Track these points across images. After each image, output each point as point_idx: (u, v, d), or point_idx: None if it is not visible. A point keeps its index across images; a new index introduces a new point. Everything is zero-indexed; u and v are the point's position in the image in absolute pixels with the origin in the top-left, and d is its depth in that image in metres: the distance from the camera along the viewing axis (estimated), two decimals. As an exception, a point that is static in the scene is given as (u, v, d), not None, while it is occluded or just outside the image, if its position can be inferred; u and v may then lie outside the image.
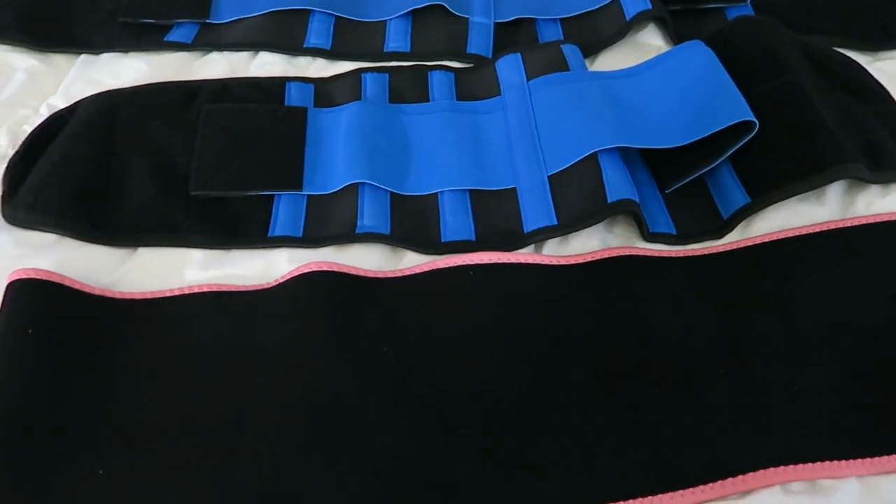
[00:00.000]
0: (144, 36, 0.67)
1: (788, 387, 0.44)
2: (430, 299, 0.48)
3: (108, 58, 0.65)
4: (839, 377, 0.44)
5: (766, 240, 0.52)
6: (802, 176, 0.52)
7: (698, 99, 0.55)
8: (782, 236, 0.52)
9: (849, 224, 0.52)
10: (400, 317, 0.47)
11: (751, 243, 0.52)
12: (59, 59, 0.66)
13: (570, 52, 0.63)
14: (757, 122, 0.53)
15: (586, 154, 0.53)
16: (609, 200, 0.50)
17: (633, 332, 0.47)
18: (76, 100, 0.60)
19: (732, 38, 0.61)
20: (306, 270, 0.48)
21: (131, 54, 0.66)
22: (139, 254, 0.51)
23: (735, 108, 0.53)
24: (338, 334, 0.45)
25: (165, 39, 0.67)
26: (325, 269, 0.48)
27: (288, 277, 0.48)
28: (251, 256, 0.51)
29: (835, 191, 0.55)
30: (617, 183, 0.51)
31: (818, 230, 0.52)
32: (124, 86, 0.62)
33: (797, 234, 0.52)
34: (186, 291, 0.48)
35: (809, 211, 0.54)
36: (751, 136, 0.53)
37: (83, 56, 0.66)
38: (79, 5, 0.70)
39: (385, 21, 0.70)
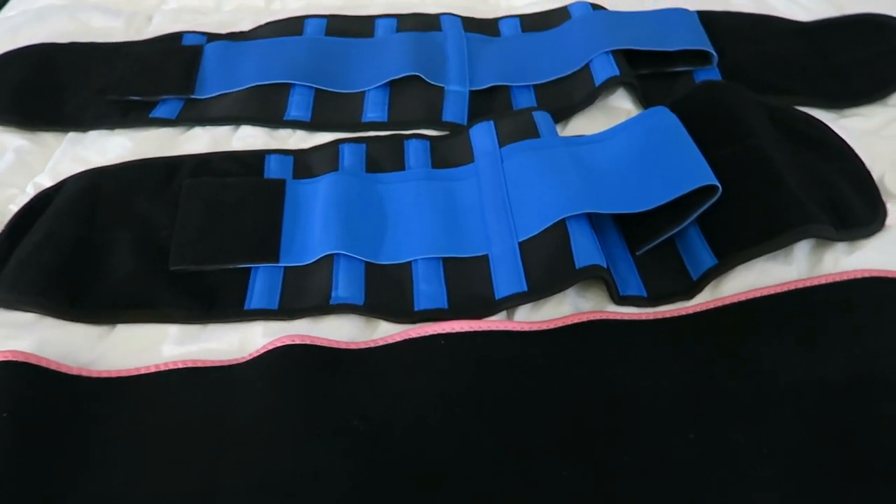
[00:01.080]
0: (131, 113, 0.70)
1: (757, 450, 0.44)
2: (403, 369, 0.48)
3: (95, 135, 0.67)
4: (808, 440, 0.45)
5: (736, 300, 0.53)
6: (766, 237, 0.53)
7: (663, 164, 0.57)
8: (751, 296, 0.53)
9: (816, 283, 0.53)
10: (373, 388, 0.47)
11: (720, 304, 0.53)
12: (47, 138, 0.68)
13: (541, 118, 0.65)
14: (719, 186, 0.54)
15: (555, 221, 0.54)
16: (577, 266, 0.51)
17: (603, 398, 0.48)
18: (63, 177, 0.62)
19: (698, 103, 0.63)
20: (279, 344, 0.48)
21: (118, 131, 0.68)
22: (118, 330, 0.52)
23: (698, 173, 0.55)
24: (309, 409, 0.45)
25: (151, 116, 0.69)
26: (297, 342, 0.48)
27: (261, 352, 0.49)
28: (227, 330, 0.52)
29: (802, 249, 0.56)
30: (584, 248, 0.52)
31: (786, 290, 0.53)
32: (110, 162, 0.64)
33: (765, 293, 0.53)
34: (162, 368, 0.49)
35: (777, 270, 0.55)
36: (715, 200, 0.55)
37: (71, 134, 0.68)
38: (70, 84, 0.73)
39: (363, 92, 0.72)
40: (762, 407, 0.46)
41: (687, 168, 0.56)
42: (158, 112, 0.70)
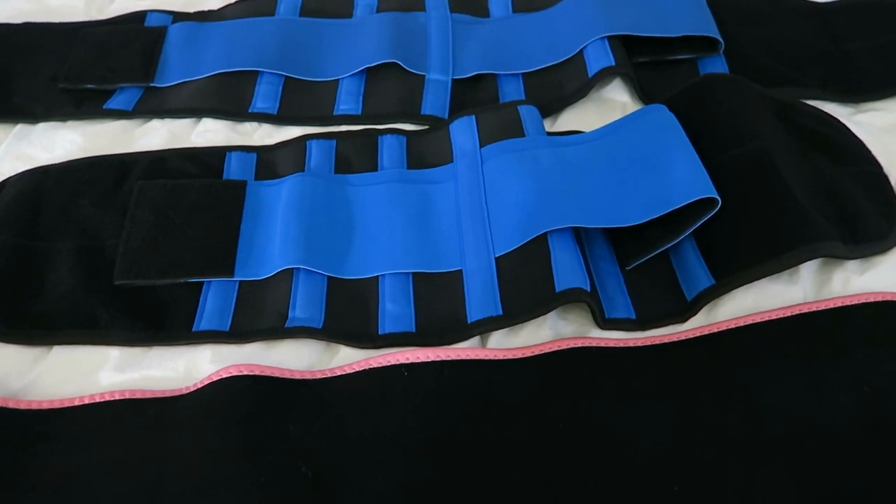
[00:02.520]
0: (85, 103, 0.64)
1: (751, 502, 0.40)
2: (360, 404, 0.44)
3: (43, 129, 0.62)
4: (811, 493, 0.40)
5: (733, 326, 0.48)
6: (769, 257, 0.47)
7: (658, 171, 0.51)
8: (750, 322, 0.48)
9: (823, 307, 0.48)
10: (326, 426, 0.43)
11: (715, 329, 0.48)
12: (-6, 131, 0.63)
13: (528, 113, 0.60)
14: (719, 199, 0.49)
15: (535, 235, 0.49)
16: (557, 289, 0.46)
17: (583, 438, 0.43)
18: (5, 177, 0.57)
19: (698, 99, 0.57)
20: (225, 375, 0.44)
21: (68, 125, 0.63)
22: (54, 353, 0.48)
23: (696, 183, 0.49)
24: (254, 453, 0.41)
25: (105, 107, 0.64)
26: (245, 372, 0.44)
27: (206, 383, 0.44)
28: (173, 354, 0.48)
29: (808, 267, 0.51)
30: (567, 268, 0.47)
31: (789, 314, 0.48)
32: (58, 160, 0.59)
33: (766, 318, 0.48)
34: (98, 399, 0.44)
35: (781, 291, 0.50)
36: (714, 212, 0.49)
37: (19, 127, 0.63)
38: (20, 70, 0.67)
39: (337, 81, 0.67)
40: (759, 453, 0.42)
41: (685, 177, 0.50)
42: (114, 103, 0.64)
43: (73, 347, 0.48)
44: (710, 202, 0.49)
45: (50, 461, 0.42)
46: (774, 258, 0.47)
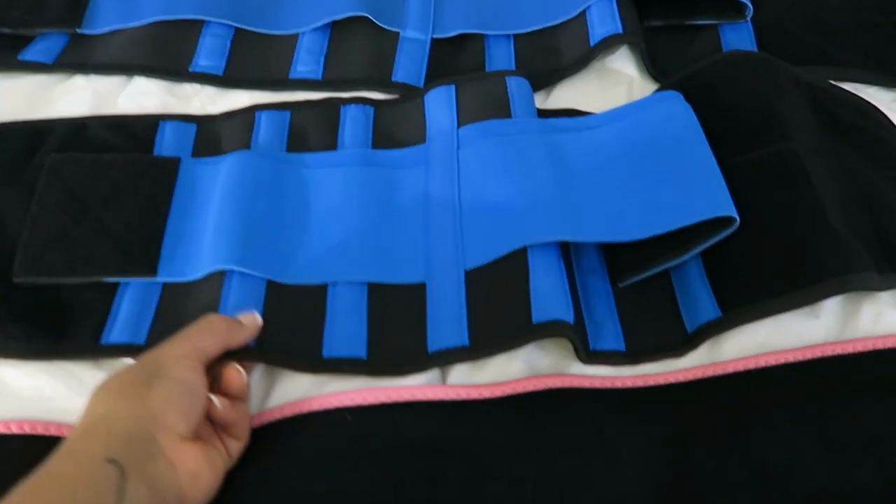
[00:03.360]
0: (-3, 52, 0.55)
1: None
2: (296, 459, 0.36)
3: (-55, 85, 0.53)
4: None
5: (740, 368, 0.41)
6: (788, 289, 0.40)
7: (668, 177, 0.43)
8: (761, 364, 0.41)
9: (849, 350, 0.41)
10: (251, 489, 0.36)
11: (719, 372, 0.41)
12: None
13: (517, 87, 0.51)
14: (738, 219, 0.40)
15: (513, 249, 0.41)
16: (534, 320, 0.38)
17: (560, 495, 0.36)
18: None
19: (718, 81, 0.48)
20: None
21: (-24, 78, 0.53)
22: (-60, 364, 0.41)
23: (713, 198, 0.41)
24: None
25: (21, 58, 0.54)
26: None
27: None
28: (83, 373, 0.40)
29: (834, 299, 0.43)
30: (547, 294, 0.39)
31: (808, 357, 0.41)
32: (-41, 124, 0.50)
33: (780, 361, 0.41)
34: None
35: (798, 325, 0.42)
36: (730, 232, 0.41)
37: (-81, 79, 0.53)
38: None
39: (296, 36, 0.57)
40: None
41: (699, 187, 0.42)
42: (31, 53, 0.55)
43: (-38, 362, 0.40)
44: (725, 220, 0.41)
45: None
46: (795, 291, 0.40)
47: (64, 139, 0.49)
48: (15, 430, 0.38)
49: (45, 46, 0.55)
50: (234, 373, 0.36)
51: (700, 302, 0.42)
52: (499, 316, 0.40)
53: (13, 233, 0.45)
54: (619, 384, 0.40)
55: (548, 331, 0.38)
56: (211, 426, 0.36)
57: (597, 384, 0.40)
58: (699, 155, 0.43)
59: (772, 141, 0.44)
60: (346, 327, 0.42)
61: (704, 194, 0.41)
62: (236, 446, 0.36)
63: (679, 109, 0.45)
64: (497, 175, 0.45)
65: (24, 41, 0.55)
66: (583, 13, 0.56)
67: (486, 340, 0.39)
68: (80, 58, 0.55)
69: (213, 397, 0.35)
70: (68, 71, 0.54)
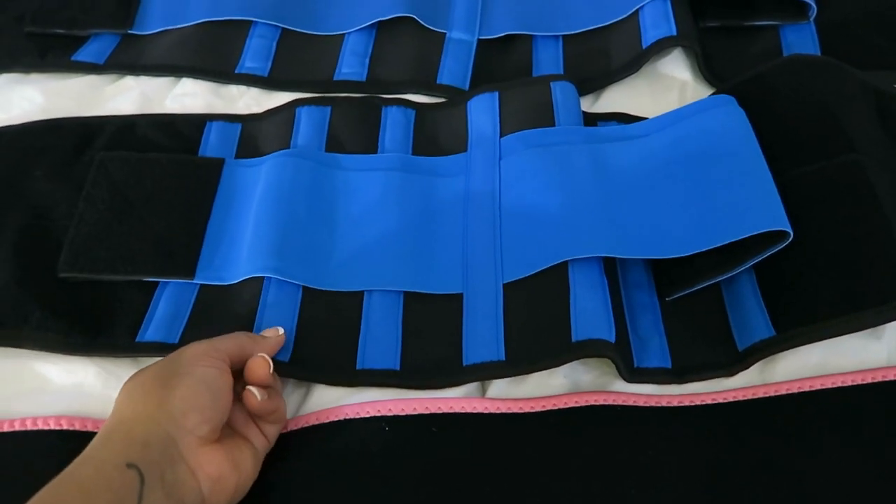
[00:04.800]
0: (51, 53, 0.56)
1: None
2: (331, 465, 0.36)
3: (1, 83, 0.54)
4: None
5: (793, 390, 0.39)
6: (850, 310, 0.37)
7: (718, 188, 0.41)
8: (815, 387, 0.38)
9: (912, 375, 0.38)
10: (293, 494, 0.35)
11: (770, 393, 0.39)
12: (-50, 81, 0.55)
13: (563, 93, 0.49)
14: (791, 233, 0.38)
15: (554, 262, 0.40)
16: (574, 338, 0.37)
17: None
18: (-46, 140, 0.50)
19: (777, 87, 0.46)
20: None
21: (30, 78, 0.54)
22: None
23: (766, 211, 0.39)
24: None
25: (73, 59, 0.55)
26: None
27: None
28: (119, 371, 0.41)
29: (897, 319, 0.41)
30: (587, 311, 0.38)
31: (868, 381, 0.38)
32: (14, 121, 0.51)
33: (837, 384, 0.38)
34: (29, 427, 0.38)
35: (858, 347, 0.40)
36: (784, 245, 0.39)
37: (-24, 79, 0.55)
38: (-15, 9, 0.59)
39: (341, 37, 0.56)
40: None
41: (751, 199, 0.40)
42: (83, 54, 0.56)
43: (1, 357, 0.41)
44: (778, 234, 0.39)
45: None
46: (857, 313, 0.37)
47: (113, 137, 0.50)
48: (53, 425, 0.39)
49: (97, 48, 0.56)
50: (260, 361, 0.36)
51: (753, 319, 0.40)
52: (537, 332, 0.38)
53: (61, 228, 0.46)
54: (664, 402, 0.39)
55: (588, 350, 0.37)
56: (245, 414, 0.36)
57: (640, 402, 0.39)
58: (751, 164, 0.41)
59: (834, 152, 0.42)
60: (380, 338, 0.41)
61: (756, 207, 0.39)
62: (273, 431, 0.36)
63: (731, 115, 0.43)
64: (539, 187, 0.44)
65: (76, 42, 0.56)
66: (635, 13, 0.54)
67: (522, 356, 0.38)
68: (130, 59, 0.56)
69: (253, 389, 0.35)
70: (118, 72, 0.55)
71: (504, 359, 0.38)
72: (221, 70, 0.54)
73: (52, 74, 0.55)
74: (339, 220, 0.46)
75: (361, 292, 0.43)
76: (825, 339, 0.38)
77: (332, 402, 0.39)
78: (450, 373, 0.39)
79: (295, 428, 0.38)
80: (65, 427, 0.38)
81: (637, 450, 0.37)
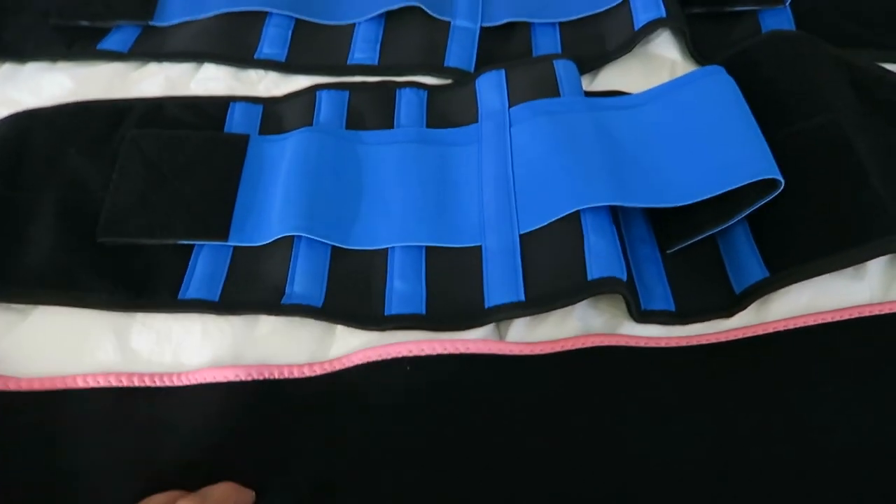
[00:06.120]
0: (77, 43, 0.59)
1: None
2: (357, 406, 0.39)
3: (32, 70, 0.57)
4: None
5: (785, 327, 0.42)
6: (835, 250, 0.41)
7: (713, 145, 0.45)
8: (808, 323, 0.42)
9: (886, 311, 0.42)
10: (321, 431, 0.38)
11: (766, 331, 0.42)
12: (-19, 71, 0.58)
13: (565, 69, 0.53)
14: (782, 180, 0.42)
15: (568, 212, 0.43)
16: (589, 277, 0.41)
17: (607, 452, 0.38)
18: (-11, 122, 0.52)
19: (760, 60, 0.50)
20: (219, 379, 0.40)
21: (58, 67, 0.57)
22: (33, 318, 0.44)
23: (757, 162, 0.43)
24: (245, 459, 0.37)
25: (99, 48, 0.58)
26: (241, 377, 0.39)
27: (197, 381, 0.40)
28: (161, 327, 0.43)
29: (878, 262, 0.45)
30: (601, 254, 0.41)
31: (849, 317, 0.42)
32: (45, 105, 0.54)
33: (825, 320, 0.42)
34: (81, 385, 0.40)
35: (843, 288, 0.44)
36: (775, 195, 0.43)
37: (6, 66, 0.57)
38: (9, 5, 0.62)
39: (353, 26, 0.60)
40: (806, 475, 0.37)
41: (744, 153, 0.44)
42: (108, 43, 0.59)
43: (51, 315, 0.44)
44: (770, 183, 0.43)
45: (23, 452, 0.38)
46: (842, 251, 0.41)
47: (142, 117, 0.53)
48: (103, 382, 0.41)
49: (121, 37, 0.59)
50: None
51: (747, 264, 0.44)
52: (555, 274, 0.42)
53: (97, 199, 0.48)
54: (665, 344, 0.42)
55: (603, 287, 0.40)
56: None
57: (644, 344, 0.42)
58: (742, 122, 0.45)
59: (815, 114, 0.46)
60: (406, 287, 0.44)
61: (749, 159, 0.43)
62: None
63: (722, 82, 0.47)
64: (548, 149, 0.47)
65: (101, 32, 0.59)
66: (626, 0, 0.59)
67: (541, 296, 0.41)
68: (152, 47, 0.59)
69: None
70: (142, 59, 0.58)
71: (524, 299, 0.42)
72: (241, 55, 0.58)
73: (79, 62, 0.57)
74: (362, 188, 0.49)
75: (385, 249, 0.46)
76: (815, 276, 0.42)
77: (357, 347, 0.42)
78: (473, 315, 0.43)
79: (322, 373, 0.41)
80: (113, 384, 0.41)
81: (643, 387, 0.41)
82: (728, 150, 0.44)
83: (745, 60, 0.50)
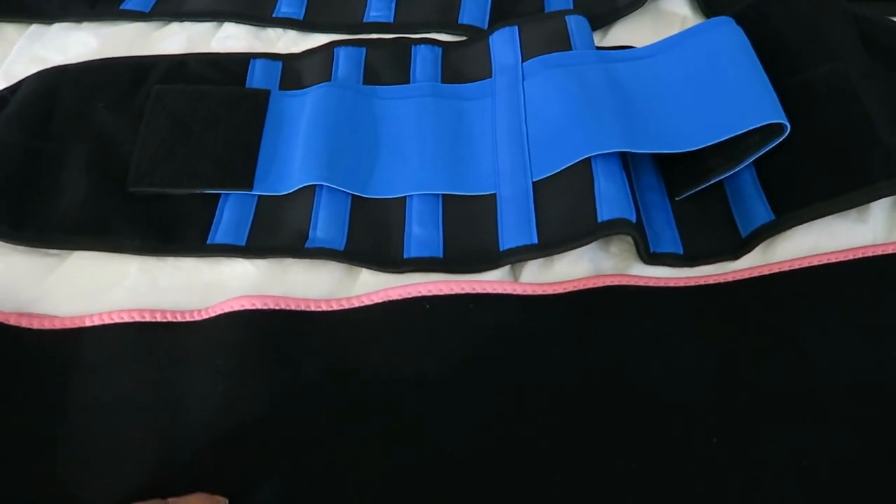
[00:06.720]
0: (100, 3, 0.60)
1: (797, 463, 0.37)
2: (378, 340, 0.41)
3: (57, 30, 0.59)
4: (865, 454, 0.37)
5: (790, 268, 0.44)
6: (838, 192, 0.43)
7: (721, 92, 0.46)
8: (813, 263, 0.44)
9: (889, 251, 0.43)
10: (342, 364, 0.40)
11: (772, 271, 0.44)
12: (8, 30, 0.59)
13: (576, 25, 0.54)
14: (788, 125, 0.43)
15: (579, 159, 0.45)
16: (599, 219, 0.42)
17: (617, 386, 0.40)
18: (18, 79, 0.54)
19: (768, 12, 0.51)
20: (238, 308, 0.41)
21: (83, 26, 0.59)
22: (69, 262, 0.46)
23: (764, 107, 0.44)
24: (268, 390, 0.39)
25: (122, 7, 0.60)
26: (258, 306, 0.41)
27: (219, 312, 0.42)
28: (190, 269, 0.45)
29: (881, 205, 0.46)
30: (611, 197, 0.43)
31: (857, 257, 0.44)
32: (72, 62, 0.56)
33: (829, 261, 0.44)
34: (107, 321, 0.42)
35: (847, 230, 0.45)
36: (780, 140, 0.44)
37: (33, 27, 0.59)
38: (34, -33, 0.63)
39: (368, -15, 0.61)
40: (808, 410, 0.38)
41: (750, 99, 0.45)
42: (130, 3, 0.60)
43: (87, 260, 0.46)
44: (776, 128, 0.44)
45: (56, 387, 0.40)
46: (844, 193, 0.42)
47: (167, 72, 0.54)
48: (127, 318, 0.42)
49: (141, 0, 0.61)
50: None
51: (754, 208, 0.45)
52: (566, 217, 0.43)
53: (125, 152, 0.50)
54: (673, 284, 0.44)
55: (613, 228, 0.42)
56: None
57: (653, 283, 0.44)
58: (750, 71, 0.46)
59: (821, 63, 0.47)
60: (424, 232, 0.46)
61: (756, 104, 0.44)
62: None
63: (729, 32, 0.48)
64: (560, 100, 0.49)
65: (122, -5, 0.61)
66: (638, -43, 0.60)
67: (554, 239, 0.43)
68: (174, 7, 0.60)
69: None
70: (163, 19, 0.60)
71: (537, 242, 0.43)
72: (260, 14, 0.59)
73: (103, 22, 0.59)
74: (380, 140, 0.51)
75: (403, 198, 0.48)
76: (819, 217, 0.43)
77: (378, 286, 0.44)
78: (488, 257, 0.44)
79: (343, 307, 0.43)
80: (136, 319, 0.42)
81: (652, 325, 0.42)
82: (736, 97, 0.45)
83: (754, 14, 0.51)
